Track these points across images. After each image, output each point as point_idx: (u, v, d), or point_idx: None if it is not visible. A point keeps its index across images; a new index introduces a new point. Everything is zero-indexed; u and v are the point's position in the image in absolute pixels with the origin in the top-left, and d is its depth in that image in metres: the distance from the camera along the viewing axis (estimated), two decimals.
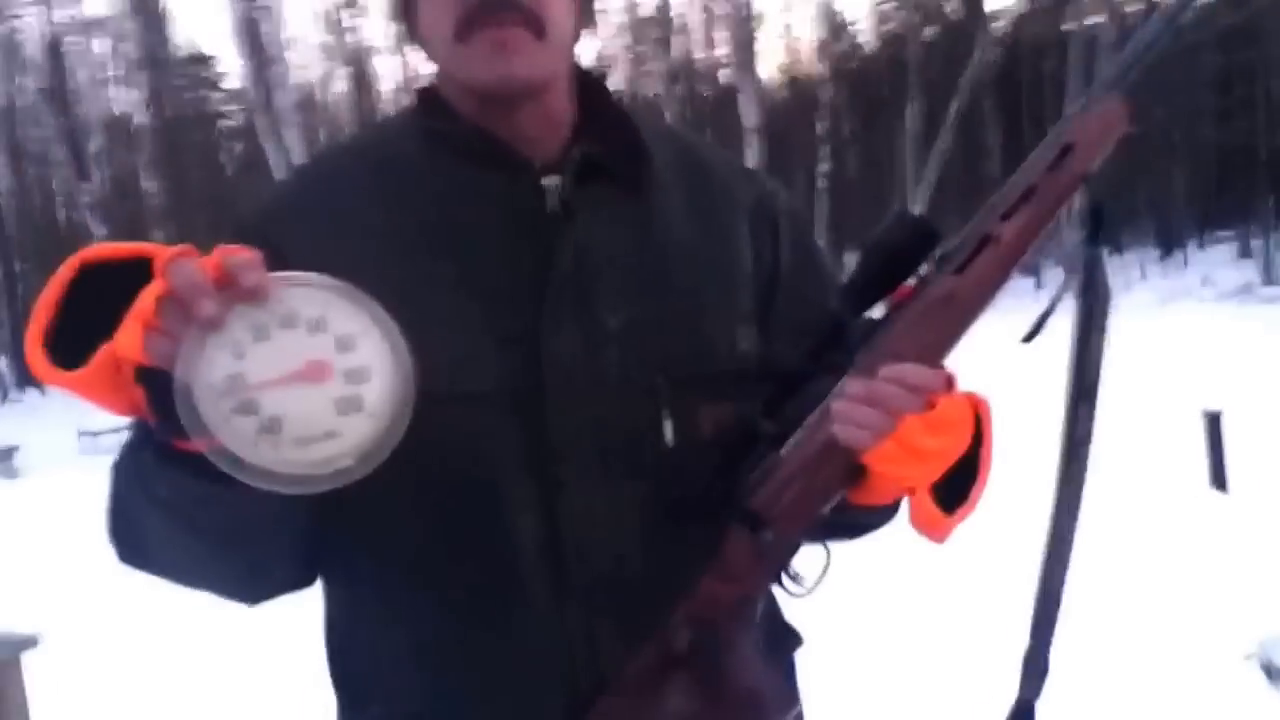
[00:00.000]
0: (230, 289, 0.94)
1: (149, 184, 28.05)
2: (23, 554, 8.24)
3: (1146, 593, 5.08)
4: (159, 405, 0.95)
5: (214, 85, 39.29)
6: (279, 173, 18.73)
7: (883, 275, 1.19)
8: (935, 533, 1.17)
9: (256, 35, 23.06)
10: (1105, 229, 1.19)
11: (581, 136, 1.33)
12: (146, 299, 0.94)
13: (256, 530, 1.16)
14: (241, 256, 0.95)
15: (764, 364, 1.31)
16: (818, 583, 1.23)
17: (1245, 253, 29.55)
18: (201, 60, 38.69)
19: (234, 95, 37.60)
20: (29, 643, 3.63)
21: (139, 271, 0.96)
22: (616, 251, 1.30)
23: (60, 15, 30.09)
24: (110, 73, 32.77)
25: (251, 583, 1.28)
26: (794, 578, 1.23)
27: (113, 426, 14.99)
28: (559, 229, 1.27)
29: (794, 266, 1.41)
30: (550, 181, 1.28)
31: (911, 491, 1.16)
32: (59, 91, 30.95)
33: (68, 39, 29.58)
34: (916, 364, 1.14)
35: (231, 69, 35.99)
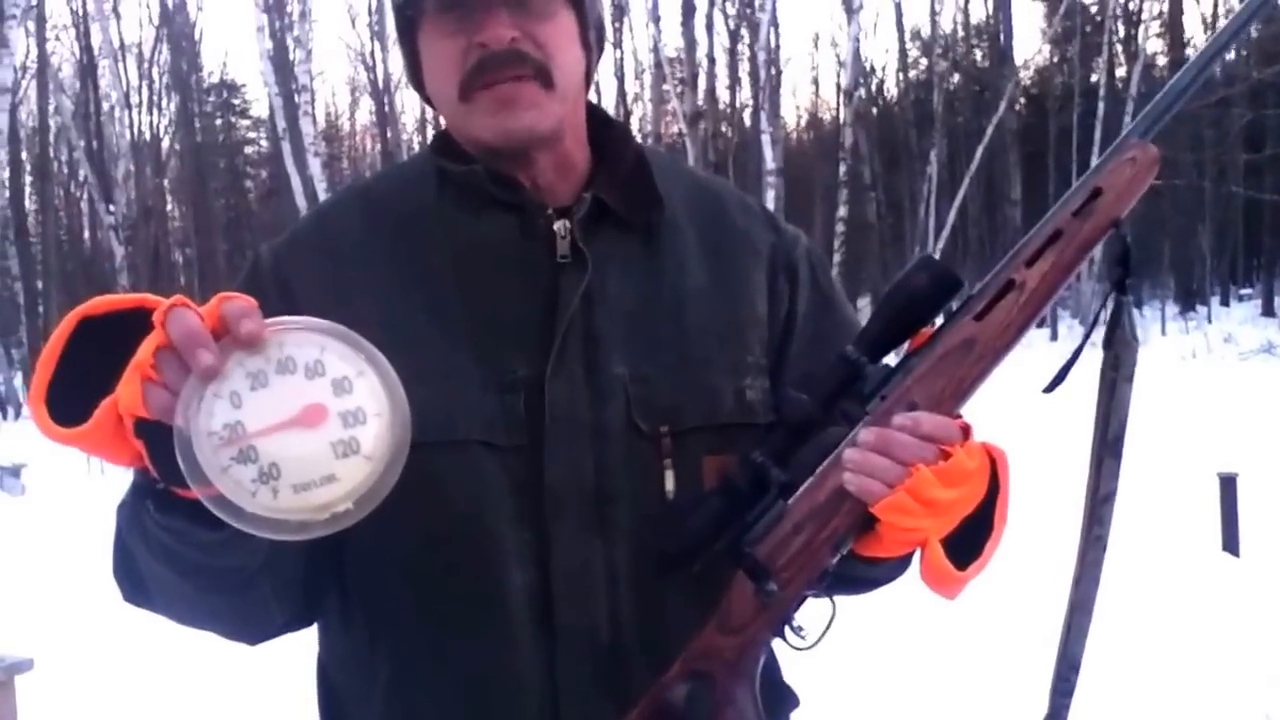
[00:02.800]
0: (227, 337, 0.95)
1: (173, 207, 28.29)
2: (25, 574, 8.21)
3: (1155, 657, 4.99)
4: (159, 456, 0.95)
5: (241, 112, 39.65)
6: (301, 199, 18.87)
7: (902, 320, 1.16)
8: (946, 588, 1.14)
9: (285, 65, 23.28)
10: (1130, 274, 1.17)
11: (595, 180, 1.33)
12: (145, 351, 0.95)
13: (253, 576, 1.17)
14: (238, 305, 0.96)
15: (775, 412, 1.28)
16: (821, 636, 1.19)
17: (1269, 311, 29.44)
18: (230, 88, 39.04)
19: (260, 123, 37.94)
20: (23, 666, 3.59)
21: (139, 322, 0.97)
22: (625, 299, 1.29)
23: (95, 39, 30.35)
24: (142, 97, 33.13)
25: (250, 625, 1.29)
26: (796, 630, 1.19)
27: None
28: (568, 274, 1.27)
29: (812, 314, 1.40)
30: (561, 225, 1.28)
31: (923, 544, 1.12)
32: (93, 114, 31.26)
33: (102, 63, 29.83)
34: (931, 413, 1.12)
35: (259, 97, 36.34)
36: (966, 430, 1.13)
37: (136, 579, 1.21)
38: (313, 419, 0.95)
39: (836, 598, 1.21)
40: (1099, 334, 1.20)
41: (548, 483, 1.23)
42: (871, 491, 1.10)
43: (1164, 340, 24.21)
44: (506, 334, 1.26)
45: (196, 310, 0.95)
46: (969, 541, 1.14)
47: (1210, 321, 26.51)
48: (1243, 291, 34.36)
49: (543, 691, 1.23)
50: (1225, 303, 31.62)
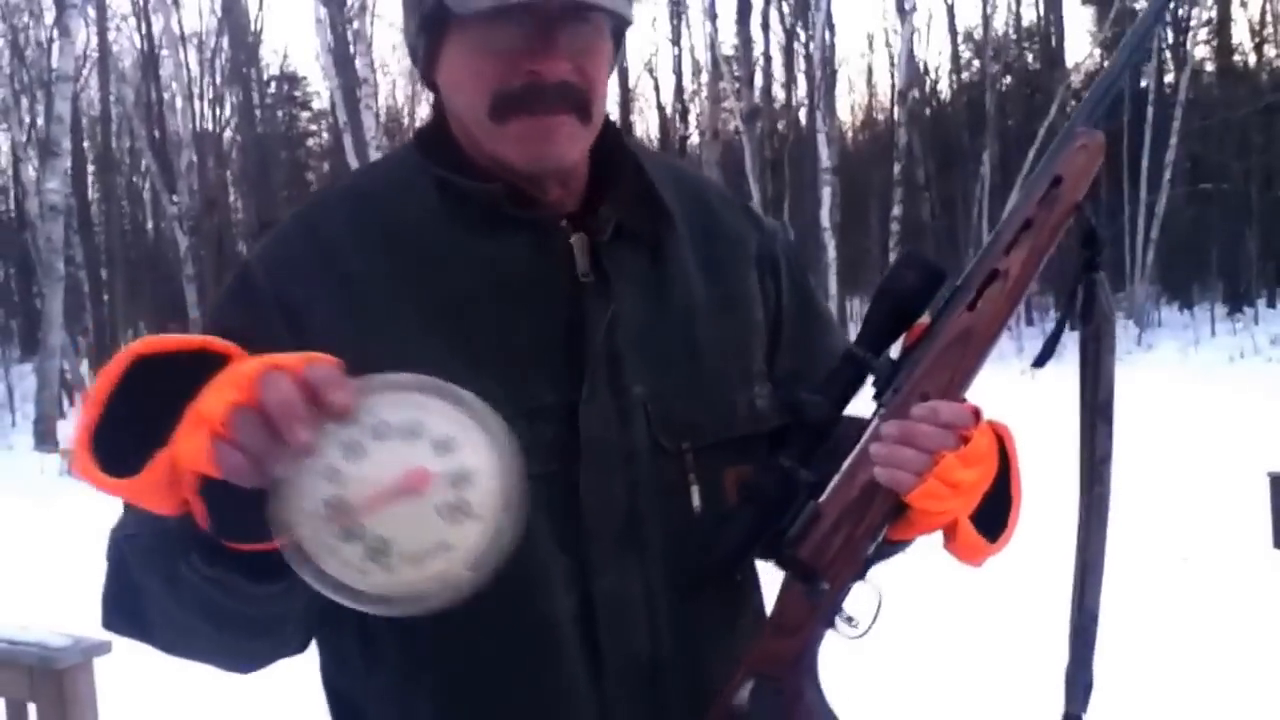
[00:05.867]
0: (317, 408, 0.89)
1: (235, 199, 28.24)
2: (100, 557, 8.18)
3: (1204, 654, 5.02)
4: (224, 516, 0.91)
5: (303, 105, 39.61)
6: None
7: (897, 316, 1.21)
8: (976, 559, 1.22)
9: (346, 58, 23.45)
10: (1099, 252, 1.21)
11: (599, 189, 1.30)
12: (216, 406, 0.89)
13: (285, 618, 1.14)
14: (326, 371, 0.90)
15: (788, 414, 1.29)
16: (873, 623, 1.23)
17: None
18: (291, 80, 39.13)
19: (321, 115, 38.04)
20: (102, 648, 3.41)
21: (190, 362, 0.93)
22: (640, 316, 1.27)
23: (156, 28, 30.36)
24: (204, 89, 33.25)
25: (255, 660, 1.23)
26: (849, 621, 1.23)
27: None
28: (592, 296, 1.24)
29: (795, 311, 1.42)
30: (578, 240, 1.25)
31: (953, 524, 1.19)
32: (154, 104, 31.46)
33: (163, 54, 29.89)
34: (946, 401, 1.16)
35: (320, 90, 36.43)
36: (978, 413, 1.17)
37: (135, 613, 1.17)
38: (417, 484, 0.89)
39: (883, 585, 1.25)
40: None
41: (585, 508, 1.21)
42: (903, 482, 1.14)
43: (1212, 341, 23.96)
44: (529, 359, 1.22)
45: (290, 372, 0.89)
46: (990, 513, 1.21)
47: (1257, 323, 26.18)
48: None
49: (595, 713, 1.23)
50: (1272, 304, 31.17)
